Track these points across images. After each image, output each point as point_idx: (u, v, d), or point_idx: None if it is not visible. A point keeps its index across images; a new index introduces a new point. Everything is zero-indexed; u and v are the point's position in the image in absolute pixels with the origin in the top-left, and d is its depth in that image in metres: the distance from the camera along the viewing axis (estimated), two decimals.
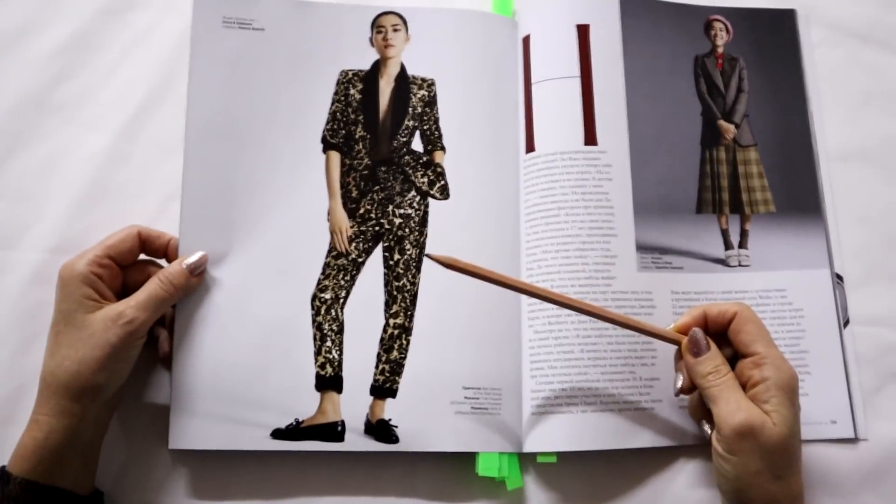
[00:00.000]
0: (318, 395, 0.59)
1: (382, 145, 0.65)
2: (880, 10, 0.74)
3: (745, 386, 0.53)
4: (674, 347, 0.58)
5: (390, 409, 0.59)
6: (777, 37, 0.71)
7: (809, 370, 0.62)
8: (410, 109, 0.65)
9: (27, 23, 0.69)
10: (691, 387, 0.56)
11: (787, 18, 0.72)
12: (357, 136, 0.64)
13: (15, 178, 0.65)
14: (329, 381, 0.59)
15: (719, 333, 0.56)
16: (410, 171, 0.64)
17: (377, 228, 0.63)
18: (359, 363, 0.60)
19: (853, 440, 0.61)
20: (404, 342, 0.60)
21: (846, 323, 0.64)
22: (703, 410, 0.57)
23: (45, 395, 0.52)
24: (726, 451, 0.52)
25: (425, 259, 0.62)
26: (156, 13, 0.70)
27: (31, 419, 0.52)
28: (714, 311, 0.56)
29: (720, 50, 0.70)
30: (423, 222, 0.63)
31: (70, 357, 0.52)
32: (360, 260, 0.62)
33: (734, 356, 0.56)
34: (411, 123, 0.65)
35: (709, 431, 0.55)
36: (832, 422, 0.61)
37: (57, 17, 0.69)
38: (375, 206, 0.63)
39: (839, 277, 0.65)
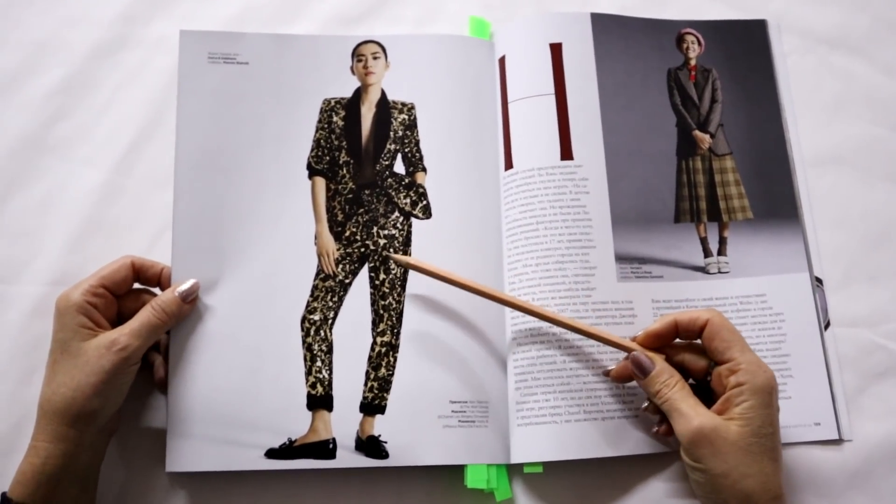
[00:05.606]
0: (309, 414, 0.60)
1: (366, 169, 0.66)
2: (848, 16, 0.75)
3: (721, 391, 0.54)
4: None
5: (380, 425, 0.60)
6: (749, 47, 0.72)
7: (792, 373, 0.62)
8: (392, 133, 0.67)
9: (23, 67, 0.71)
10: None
11: (758, 29, 0.73)
12: (341, 162, 0.66)
13: (15, 216, 0.67)
14: (320, 400, 0.61)
15: (692, 340, 0.57)
16: (393, 193, 0.66)
17: (363, 250, 0.64)
18: (348, 381, 0.61)
19: (838, 441, 0.61)
20: (392, 359, 0.62)
21: (827, 325, 0.64)
22: None
23: (43, 421, 0.54)
24: (691, 459, 0.53)
25: (410, 277, 0.64)
26: (145, 53, 0.72)
27: (30, 446, 0.54)
28: (685, 318, 0.56)
29: (693, 62, 0.71)
30: (407, 242, 0.65)
31: (66, 384, 0.54)
32: (347, 281, 0.64)
33: (712, 363, 0.56)
34: (393, 147, 0.67)
35: None
36: (816, 424, 0.61)
37: (51, 60, 0.71)
38: (360, 228, 0.65)
39: (819, 280, 0.65)
